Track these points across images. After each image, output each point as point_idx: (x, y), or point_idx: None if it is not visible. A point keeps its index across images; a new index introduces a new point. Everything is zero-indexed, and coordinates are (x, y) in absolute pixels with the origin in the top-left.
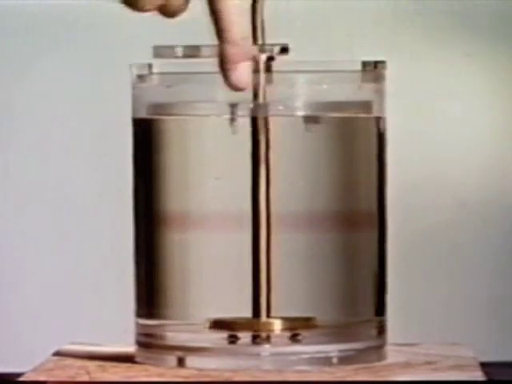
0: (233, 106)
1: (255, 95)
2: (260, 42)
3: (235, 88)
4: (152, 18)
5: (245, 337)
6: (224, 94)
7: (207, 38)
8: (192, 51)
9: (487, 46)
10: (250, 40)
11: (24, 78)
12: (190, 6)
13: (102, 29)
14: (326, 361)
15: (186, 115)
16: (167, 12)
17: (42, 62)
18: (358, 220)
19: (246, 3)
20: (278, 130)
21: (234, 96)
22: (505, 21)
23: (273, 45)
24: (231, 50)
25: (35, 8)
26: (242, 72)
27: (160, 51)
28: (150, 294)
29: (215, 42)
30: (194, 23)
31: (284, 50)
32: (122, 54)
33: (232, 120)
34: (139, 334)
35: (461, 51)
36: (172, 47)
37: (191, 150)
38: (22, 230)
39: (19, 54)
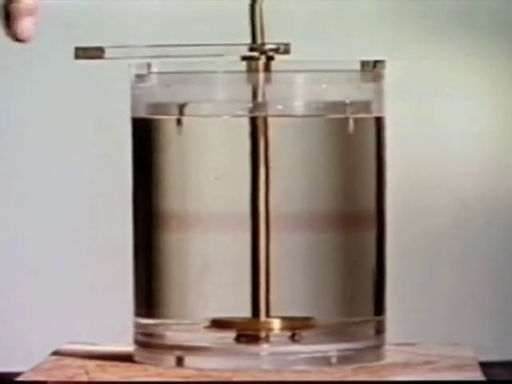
0: (181, 107)
1: (254, 95)
2: (259, 41)
3: (17, 40)
4: (152, 18)
5: (244, 336)
6: (224, 94)
7: (207, 38)
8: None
9: (488, 46)
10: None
11: (24, 77)
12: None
13: (101, 29)
14: (324, 360)
15: (186, 115)
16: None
17: (41, 62)
18: (357, 220)
19: None
20: (277, 130)
21: (234, 96)
22: (505, 21)
23: (273, 44)
24: (14, 7)
25: None
26: (25, 25)
27: (82, 52)
28: (149, 293)
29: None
30: (193, 24)
31: (284, 49)
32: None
33: (179, 121)
34: (138, 334)
35: (461, 51)
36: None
37: (190, 150)
38: (21, 230)
39: (19, 54)
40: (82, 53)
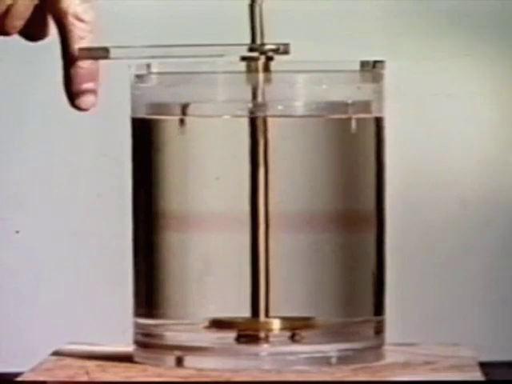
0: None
1: (254, 95)
2: (259, 41)
3: (80, 109)
4: (152, 18)
5: (244, 336)
6: (223, 94)
7: (207, 38)
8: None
9: (487, 46)
10: (94, 61)
11: (24, 77)
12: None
13: (101, 29)
14: (324, 360)
15: (185, 115)
16: (4, 29)
17: (41, 62)
18: (356, 220)
19: (91, 27)
20: (277, 130)
21: (234, 96)
22: (505, 21)
23: (273, 44)
24: (76, 73)
25: None
26: (88, 94)
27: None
28: (149, 293)
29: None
30: (193, 23)
31: (284, 50)
32: None
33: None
34: (138, 334)
35: (461, 51)
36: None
37: (190, 150)
38: (22, 231)
39: (19, 54)
40: (86, 53)
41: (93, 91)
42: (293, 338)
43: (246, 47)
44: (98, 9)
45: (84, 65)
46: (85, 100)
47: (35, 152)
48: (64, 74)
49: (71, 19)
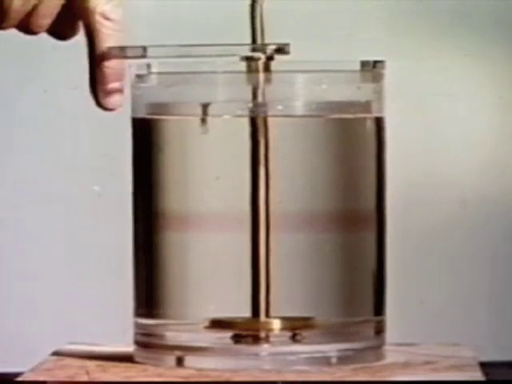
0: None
1: (254, 95)
2: (259, 41)
3: (105, 109)
4: (152, 18)
5: (244, 336)
6: (224, 94)
7: (207, 38)
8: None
9: (487, 46)
10: (121, 62)
11: (24, 77)
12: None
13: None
14: (324, 360)
15: (186, 115)
16: (30, 27)
17: (41, 62)
18: (357, 220)
19: (118, 26)
20: (278, 130)
21: (234, 96)
22: (505, 21)
23: (272, 44)
24: (102, 73)
25: None
26: (114, 94)
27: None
28: (149, 293)
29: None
30: (194, 23)
31: (284, 50)
32: None
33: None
34: (138, 334)
35: (461, 51)
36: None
37: (191, 150)
38: (22, 230)
39: (19, 54)
40: (121, 52)
41: (119, 91)
42: (293, 338)
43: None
44: (127, 8)
45: (110, 64)
46: (111, 100)
47: (35, 152)
48: (90, 74)
49: (98, 18)
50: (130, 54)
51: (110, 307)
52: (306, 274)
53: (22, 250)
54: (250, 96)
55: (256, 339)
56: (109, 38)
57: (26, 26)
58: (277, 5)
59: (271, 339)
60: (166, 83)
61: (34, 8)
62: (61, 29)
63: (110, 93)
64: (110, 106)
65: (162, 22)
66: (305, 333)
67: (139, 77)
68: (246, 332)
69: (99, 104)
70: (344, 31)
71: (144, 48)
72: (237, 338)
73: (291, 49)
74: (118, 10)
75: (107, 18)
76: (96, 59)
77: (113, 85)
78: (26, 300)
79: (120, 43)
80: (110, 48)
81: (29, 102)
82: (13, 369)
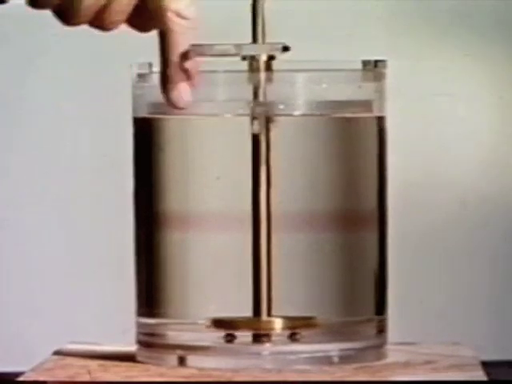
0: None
1: (256, 94)
2: (260, 41)
3: (174, 106)
4: None
5: (245, 336)
6: (225, 93)
7: (207, 38)
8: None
9: (487, 46)
10: (193, 59)
11: (24, 78)
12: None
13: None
14: (326, 360)
15: (187, 114)
16: (105, 23)
17: (42, 62)
18: (358, 220)
19: (192, 24)
20: (279, 130)
21: (236, 95)
22: (505, 21)
23: (274, 44)
24: (172, 70)
25: None
26: (183, 92)
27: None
28: (151, 293)
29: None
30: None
31: (285, 48)
32: (121, 53)
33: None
34: (140, 334)
35: (461, 51)
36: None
37: (192, 150)
38: (22, 230)
39: (19, 54)
40: (213, 50)
41: (190, 90)
42: (292, 338)
43: None
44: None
45: (184, 63)
46: (182, 98)
47: (35, 152)
48: (161, 71)
49: (172, 16)
50: (224, 52)
51: (110, 307)
52: (307, 273)
53: (22, 249)
54: (251, 95)
55: (257, 339)
56: (182, 36)
57: (99, 22)
58: (277, 5)
59: (272, 338)
60: None
61: (107, 5)
62: (140, 22)
63: (181, 91)
64: (180, 105)
65: None
66: (306, 332)
67: (141, 76)
68: (248, 331)
69: (169, 102)
70: (344, 31)
71: (239, 46)
72: (229, 338)
73: (291, 49)
74: (190, 7)
75: (180, 16)
76: (168, 57)
77: (184, 83)
78: (26, 300)
79: (193, 41)
80: (195, 46)
81: (29, 101)
82: (13, 368)
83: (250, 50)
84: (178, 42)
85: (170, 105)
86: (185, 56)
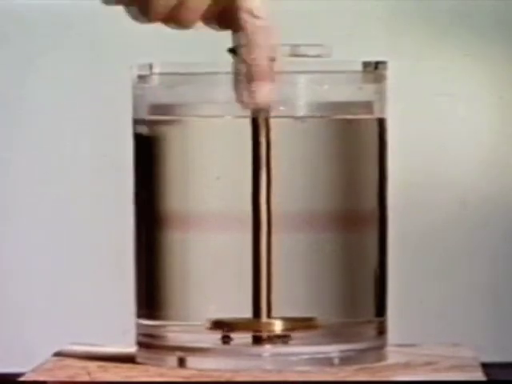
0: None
1: None
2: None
3: (256, 106)
4: None
5: (245, 337)
6: (225, 95)
7: (207, 37)
8: None
9: (487, 45)
10: (275, 60)
11: (24, 78)
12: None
13: (102, 29)
14: (326, 361)
15: (187, 116)
16: (180, 21)
17: (42, 62)
18: (358, 220)
19: (271, 22)
20: (279, 131)
21: (234, 96)
22: (505, 21)
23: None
24: (251, 70)
25: (35, 8)
26: (262, 91)
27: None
28: (151, 294)
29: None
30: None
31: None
32: (121, 53)
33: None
34: (140, 335)
35: (461, 51)
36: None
37: (192, 150)
38: (22, 230)
39: (19, 54)
40: (301, 50)
41: (267, 89)
42: (283, 340)
43: None
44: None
45: (260, 63)
46: (256, 98)
47: (35, 152)
48: (235, 70)
49: (245, 15)
50: (312, 53)
51: (110, 307)
52: (308, 274)
53: (21, 249)
54: None
55: (257, 340)
56: (255, 36)
57: (174, 20)
58: (277, 5)
59: (273, 340)
60: (168, 84)
61: (181, 3)
62: (215, 21)
63: (255, 91)
64: (252, 105)
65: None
66: (306, 333)
67: (141, 77)
68: (248, 333)
69: (241, 101)
70: (344, 31)
71: (329, 47)
72: (225, 339)
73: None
74: (265, 7)
75: (254, 15)
76: (242, 56)
77: (260, 84)
78: (25, 300)
79: (267, 41)
80: (273, 46)
81: (29, 101)
82: (13, 369)
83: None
84: (251, 42)
85: (241, 104)
86: (261, 56)
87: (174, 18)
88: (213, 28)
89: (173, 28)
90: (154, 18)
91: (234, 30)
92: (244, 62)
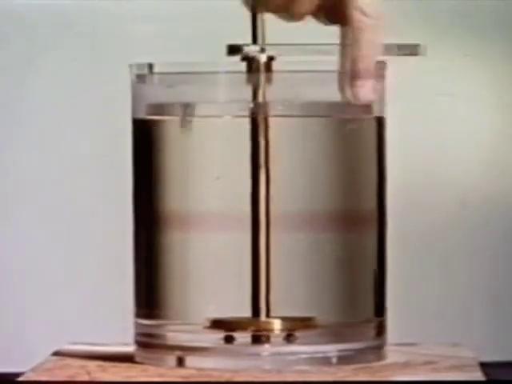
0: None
1: (255, 95)
2: (260, 41)
3: (359, 102)
4: (152, 17)
5: (244, 337)
6: (224, 94)
7: (205, 38)
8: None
9: (487, 46)
10: (376, 57)
11: (24, 78)
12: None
13: (102, 29)
14: (325, 361)
15: (187, 116)
16: (293, 13)
17: (42, 62)
18: (357, 220)
19: (372, 21)
20: (278, 130)
21: (235, 96)
22: (505, 21)
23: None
24: (357, 67)
25: (35, 8)
26: (366, 88)
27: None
28: (150, 293)
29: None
30: (193, 23)
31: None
32: (121, 54)
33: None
34: (139, 334)
35: (461, 51)
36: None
37: (191, 150)
38: (22, 230)
39: (19, 54)
40: (393, 49)
41: (371, 86)
42: (288, 339)
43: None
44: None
45: (365, 59)
46: (361, 94)
47: (35, 152)
48: (340, 65)
49: (355, 13)
50: (405, 51)
51: (109, 307)
52: (307, 274)
53: (21, 249)
54: (250, 96)
55: (256, 339)
56: (363, 34)
57: (287, 12)
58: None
59: (272, 339)
60: (167, 83)
61: None
62: (326, 16)
63: (360, 87)
64: (357, 102)
65: (161, 20)
66: (305, 333)
67: (140, 77)
68: (247, 332)
69: (346, 97)
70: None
71: (419, 46)
72: (228, 339)
73: (291, 48)
74: (376, 5)
75: (364, 14)
76: (349, 52)
77: (364, 79)
78: (25, 300)
79: (374, 39)
80: (379, 44)
81: (29, 101)
82: (13, 369)
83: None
84: (361, 39)
85: (346, 99)
86: (367, 53)
87: (288, 10)
88: (321, 22)
89: (283, 19)
90: (271, 8)
91: (342, 26)
92: (350, 58)
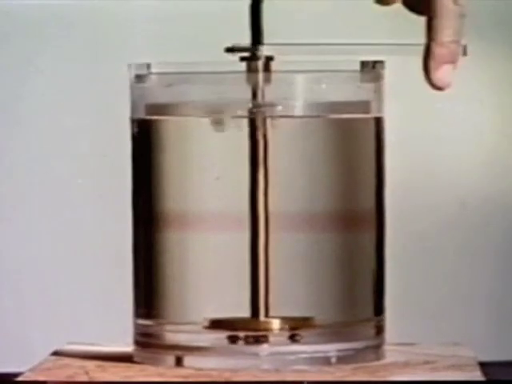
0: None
1: (254, 95)
2: (259, 41)
3: (435, 87)
4: (152, 17)
5: (243, 336)
6: (223, 95)
7: (206, 36)
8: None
9: (487, 46)
10: (458, 44)
11: (24, 78)
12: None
13: (101, 29)
14: (324, 360)
15: (185, 115)
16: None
17: (41, 62)
18: (356, 220)
19: (459, 9)
20: (277, 130)
21: (233, 96)
22: (505, 21)
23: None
24: (439, 50)
25: (35, 8)
26: (446, 73)
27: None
28: (149, 293)
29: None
30: (192, 23)
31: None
32: (121, 54)
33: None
34: (137, 334)
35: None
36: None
37: (190, 150)
38: (22, 231)
39: (19, 54)
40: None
41: (451, 72)
42: (292, 339)
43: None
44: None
45: (448, 45)
46: (441, 79)
47: (35, 152)
48: (426, 51)
49: (447, 2)
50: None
51: (109, 307)
52: (306, 273)
53: (21, 249)
54: (249, 96)
55: (255, 339)
56: (451, 22)
57: None
58: (277, 5)
59: (271, 339)
60: (166, 83)
61: None
62: (414, 3)
63: (441, 72)
64: (439, 84)
65: (160, 19)
66: (304, 332)
67: (138, 77)
68: (246, 332)
69: (429, 80)
70: (344, 31)
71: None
72: (232, 339)
73: (291, 48)
74: None
75: (456, 2)
76: (434, 38)
77: (445, 65)
78: (25, 300)
79: (460, 27)
80: (462, 32)
81: (29, 102)
82: (12, 369)
83: None
84: (447, 24)
85: (429, 83)
86: (453, 40)
87: None
88: (410, 10)
89: (376, 3)
90: None
91: (428, 15)
92: (432, 41)
